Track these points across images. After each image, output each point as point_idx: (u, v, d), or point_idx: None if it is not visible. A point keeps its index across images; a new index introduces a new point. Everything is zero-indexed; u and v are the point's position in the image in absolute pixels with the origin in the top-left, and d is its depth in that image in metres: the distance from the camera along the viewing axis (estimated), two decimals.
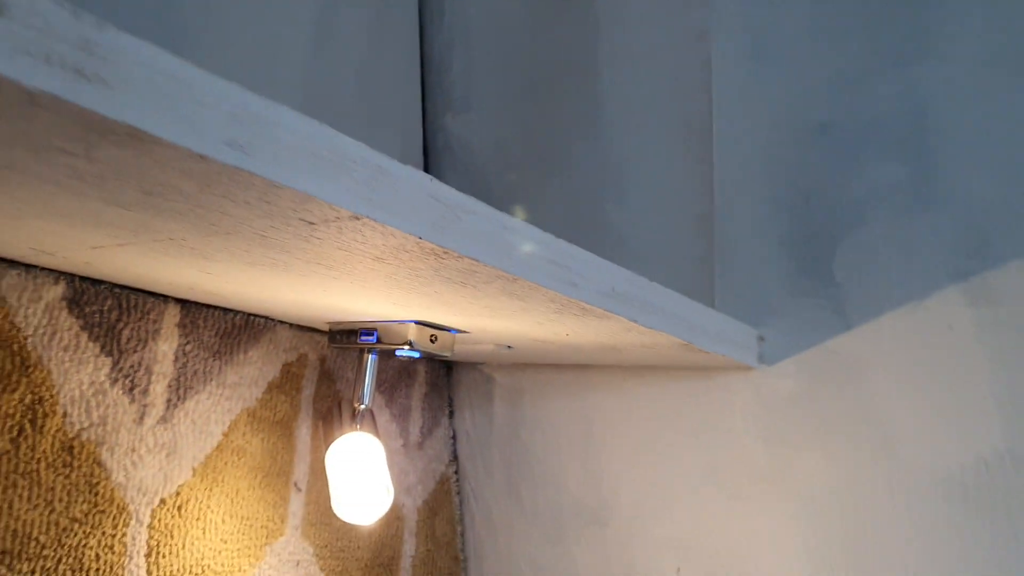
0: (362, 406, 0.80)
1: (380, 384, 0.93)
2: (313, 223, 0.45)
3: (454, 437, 1.04)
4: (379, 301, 0.66)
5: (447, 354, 0.78)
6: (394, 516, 0.94)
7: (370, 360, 0.80)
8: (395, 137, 1.05)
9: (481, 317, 0.69)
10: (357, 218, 0.43)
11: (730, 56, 0.87)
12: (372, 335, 0.77)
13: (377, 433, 0.80)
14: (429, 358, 0.97)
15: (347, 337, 0.79)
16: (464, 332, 0.77)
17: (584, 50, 0.97)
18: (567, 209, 0.98)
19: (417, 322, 0.74)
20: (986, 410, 0.73)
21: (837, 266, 0.80)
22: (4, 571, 0.62)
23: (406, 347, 0.74)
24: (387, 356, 0.89)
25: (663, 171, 0.92)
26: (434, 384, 1.02)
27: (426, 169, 1.10)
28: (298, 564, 0.83)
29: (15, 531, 0.63)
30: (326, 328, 0.84)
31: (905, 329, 0.77)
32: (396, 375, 0.96)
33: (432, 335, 0.75)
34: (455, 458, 1.04)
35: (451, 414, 1.04)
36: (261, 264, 0.56)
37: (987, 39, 0.75)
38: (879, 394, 0.78)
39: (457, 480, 1.04)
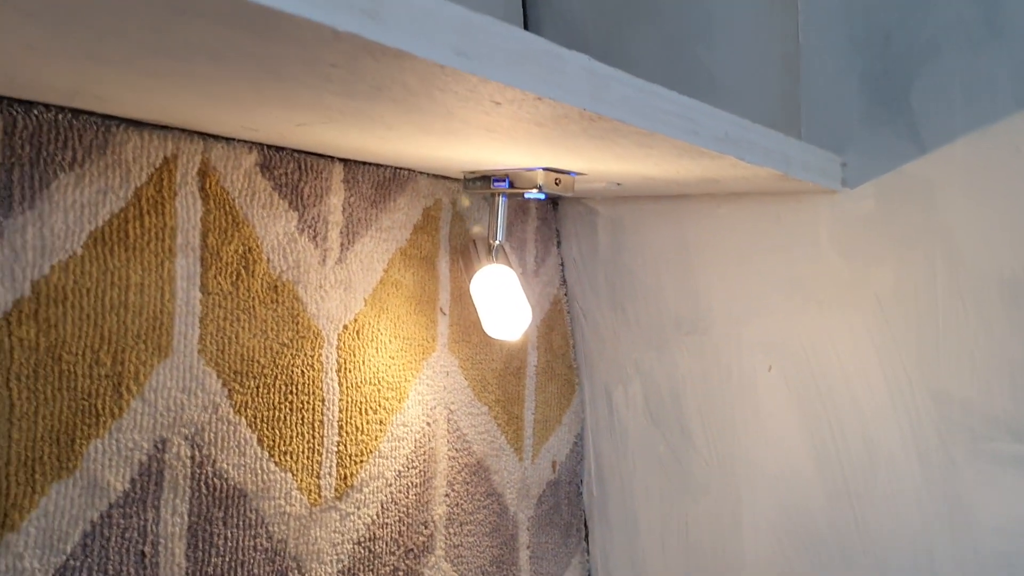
0: (496, 242, 0.93)
1: None
2: (500, 103, 0.56)
3: (563, 264, 1.18)
4: (519, 154, 0.78)
5: (568, 194, 0.89)
6: None
7: (501, 202, 0.93)
8: None
9: (605, 162, 0.80)
10: (539, 99, 0.54)
11: None
12: (504, 181, 0.89)
13: (510, 264, 0.94)
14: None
15: (481, 183, 0.91)
16: (583, 174, 0.89)
17: None
18: (659, 52, 1.06)
19: (545, 168, 0.85)
20: None
21: (913, 97, 0.89)
22: (238, 387, 0.78)
23: (535, 190, 0.87)
24: (511, 197, 1.01)
25: (749, 14, 1.00)
26: (544, 218, 1.14)
27: (525, 17, 1.18)
28: (447, 374, 0.99)
29: (242, 355, 0.78)
30: (458, 176, 0.96)
31: (975, 152, 0.86)
32: (512, 212, 1.08)
33: (556, 178, 0.87)
34: (564, 282, 1.18)
35: (559, 243, 1.17)
36: (435, 131, 0.68)
37: None
38: (950, 211, 0.88)
39: (567, 300, 1.18)
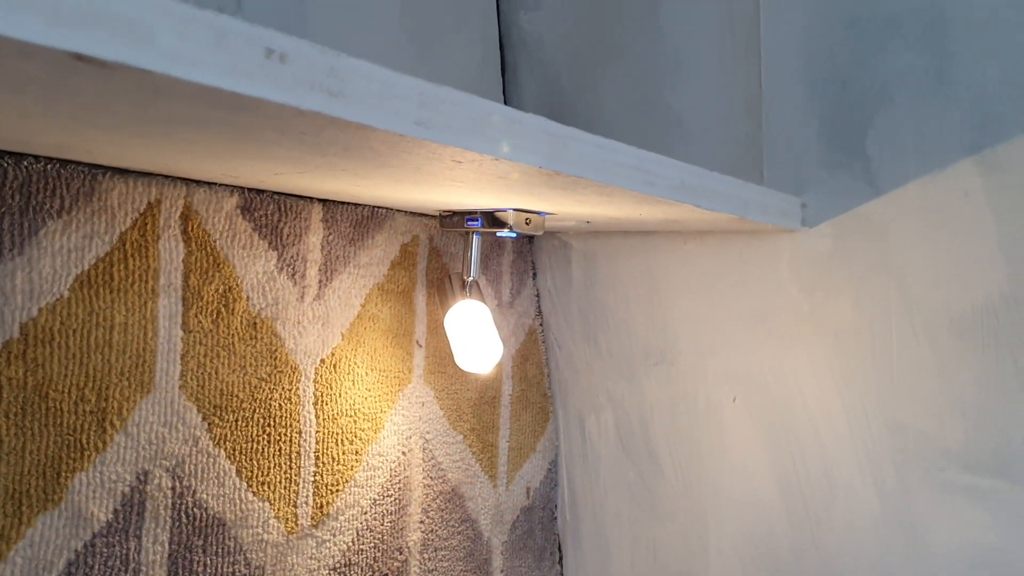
0: (470, 278, 0.97)
1: None
2: (461, 162, 0.60)
3: (538, 295, 1.22)
4: (488, 198, 0.82)
5: (539, 233, 0.93)
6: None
7: (475, 240, 0.96)
8: (475, 36, 1.18)
9: (570, 206, 0.84)
10: (496, 160, 0.58)
11: None
12: (477, 220, 0.92)
13: (483, 299, 0.98)
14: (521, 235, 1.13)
15: (455, 221, 0.95)
16: (552, 214, 0.93)
17: None
18: (629, 95, 1.11)
19: (515, 209, 0.89)
20: (994, 261, 0.88)
21: (868, 142, 0.93)
22: (218, 421, 0.81)
23: (506, 229, 0.90)
24: (486, 234, 1.05)
25: (715, 61, 1.04)
26: (519, 252, 1.18)
27: (502, 64, 1.23)
28: (423, 405, 1.02)
29: (222, 390, 0.82)
30: (434, 213, 1.00)
31: (926, 195, 0.90)
32: (488, 246, 1.12)
33: (527, 218, 0.91)
34: (540, 313, 1.22)
35: (534, 276, 1.21)
36: (406, 181, 0.72)
37: None
38: (903, 250, 0.92)
39: (542, 331, 1.22)
